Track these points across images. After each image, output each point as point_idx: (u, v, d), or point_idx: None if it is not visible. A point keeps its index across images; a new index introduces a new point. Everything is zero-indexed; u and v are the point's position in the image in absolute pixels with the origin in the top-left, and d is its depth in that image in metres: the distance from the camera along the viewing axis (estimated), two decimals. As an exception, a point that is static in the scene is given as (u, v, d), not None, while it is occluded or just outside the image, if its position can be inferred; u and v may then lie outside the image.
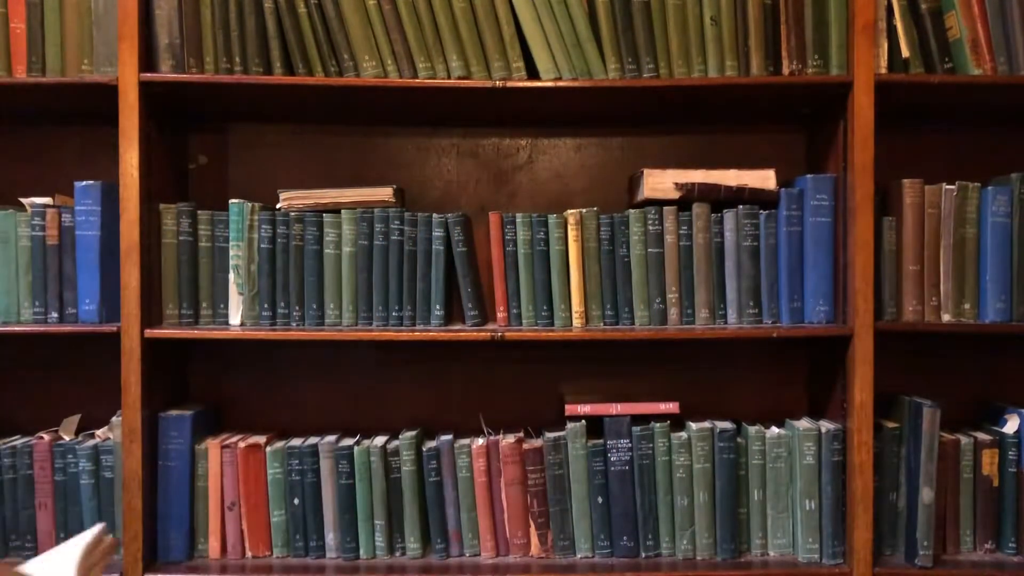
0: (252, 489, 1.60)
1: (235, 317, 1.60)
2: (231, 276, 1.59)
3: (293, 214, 1.60)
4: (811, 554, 1.57)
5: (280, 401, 1.81)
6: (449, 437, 1.62)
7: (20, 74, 1.54)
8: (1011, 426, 1.61)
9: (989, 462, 1.59)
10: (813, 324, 1.58)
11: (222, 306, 1.60)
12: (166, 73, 1.53)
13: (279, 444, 1.61)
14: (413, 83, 1.55)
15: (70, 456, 1.59)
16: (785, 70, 1.56)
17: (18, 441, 1.62)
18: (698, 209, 1.59)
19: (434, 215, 1.60)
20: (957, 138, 1.79)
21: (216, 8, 1.54)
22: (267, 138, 1.81)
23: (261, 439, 1.62)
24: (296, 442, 1.61)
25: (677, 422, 1.65)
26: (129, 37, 1.50)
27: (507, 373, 1.81)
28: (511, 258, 1.60)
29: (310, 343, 1.79)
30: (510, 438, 1.61)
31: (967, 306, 1.58)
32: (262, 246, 1.59)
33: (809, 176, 1.58)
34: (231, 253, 1.59)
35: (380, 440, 1.62)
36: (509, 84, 1.54)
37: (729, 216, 1.60)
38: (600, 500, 1.59)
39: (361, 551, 1.59)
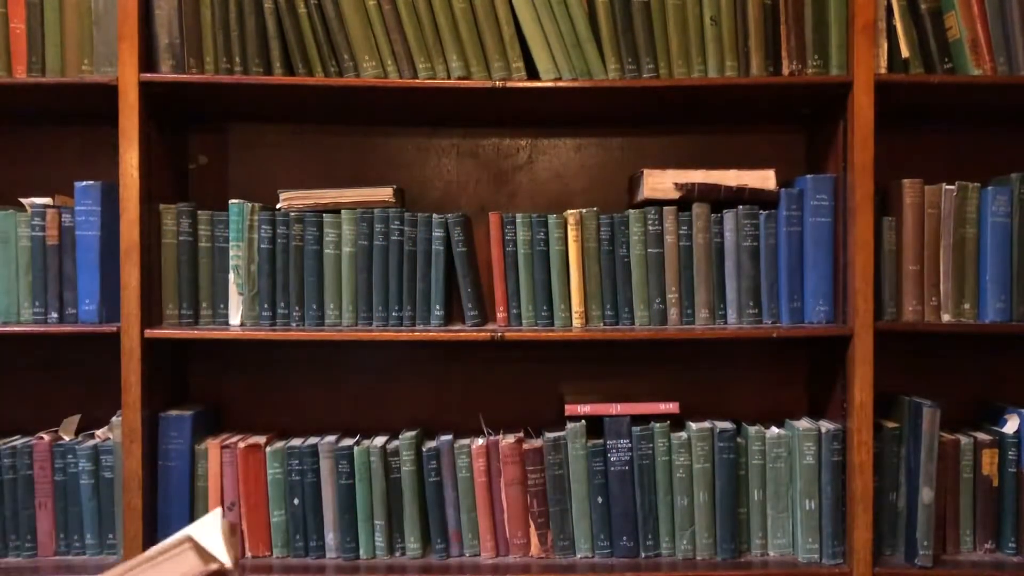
0: (252, 489, 1.60)
1: (235, 317, 1.60)
2: (231, 276, 1.60)
3: (293, 214, 1.60)
4: (811, 554, 1.57)
5: (280, 401, 1.81)
6: (449, 437, 1.63)
7: (20, 74, 1.54)
8: (1011, 426, 1.61)
9: (989, 462, 1.59)
10: (813, 324, 1.58)
11: (222, 306, 1.60)
12: (166, 73, 1.53)
13: (279, 444, 1.61)
14: (413, 83, 1.55)
15: (70, 456, 1.59)
16: (785, 70, 1.56)
17: (18, 441, 1.62)
18: (698, 209, 1.59)
19: (434, 215, 1.60)
20: (957, 138, 1.79)
21: (216, 8, 1.54)
22: (267, 138, 1.81)
23: (261, 439, 1.62)
24: (296, 442, 1.61)
25: (677, 422, 1.65)
26: (129, 37, 1.50)
27: (507, 373, 1.81)
28: (511, 258, 1.61)
29: (310, 343, 1.79)
30: (510, 438, 1.61)
31: (967, 306, 1.58)
32: (262, 246, 1.59)
33: (809, 176, 1.58)
34: (231, 253, 1.59)
35: (380, 440, 1.62)
36: (509, 84, 1.54)
37: (729, 216, 1.60)
38: (600, 500, 1.59)
39: (361, 551, 1.59)
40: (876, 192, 1.53)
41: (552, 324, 1.61)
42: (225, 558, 0.92)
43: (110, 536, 1.59)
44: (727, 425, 1.60)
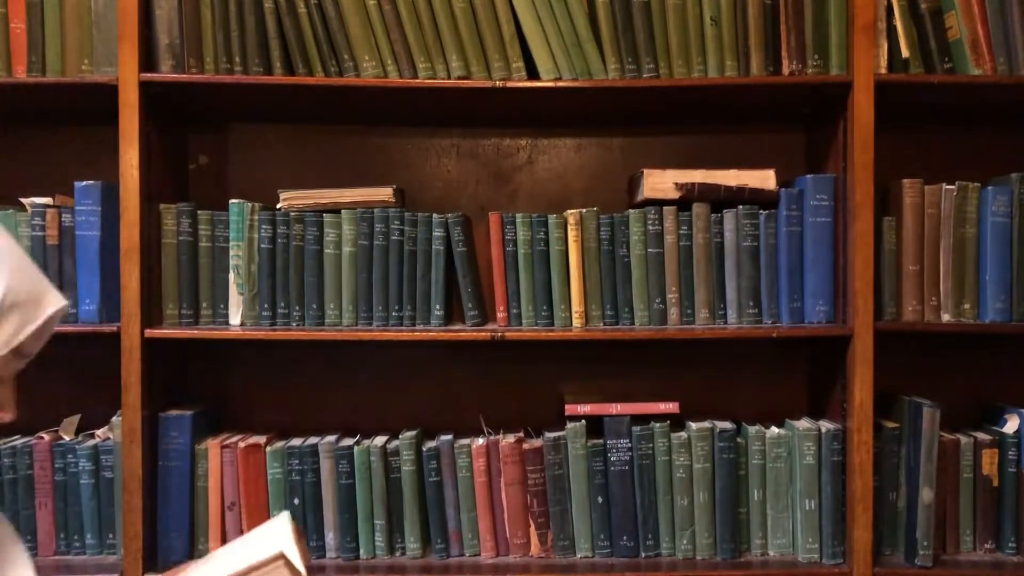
0: (252, 489, 1.60)
1: (235, 317, 1.60)
2: (231, 276, 1.60)
3: (293, 214, 1.60)
4: (811, 554, 1.57)
5: (280, 401, 1.81)
6: (449, 437, 1.62)
7: (20, 74, 1.54)
8: (1011, 426, 1.61)
9: (989, 462, 1.59)
10: (813, 324, 1.58)
11: (222, 306, 1.60)
12: (166, 73, 1.53)
13: (279, 444, 1.61)
14: (413, 83, 1.55)
15: (70, 456, 1.59)
16: (785, 70, 1.56)
17: (18, 441, 1.62)
18: (698, 209, 1.59)
19: (434, 215, 1.60)
20: (957, 138, 1.79)
21: (216, 8, 1.54)
22: (267, 138, 1.81)
23: (261, 439, 1.62)
24: (296, 442, 1.61)
25: (677, 422, 1.65)
26: (129, 37, 1.50)
27: (507, 373, 1.81)
28: (511, 258, 1.61)
29: (310, 343, 1.79)
30: (510, 438, 1.61)
31: (967, 306, 1.58)
32: (262, 246, 1.59)
33: (809, 176, 1.58)
34: (231, 253, 1.59)
35: (380, 440, 1.62)
36: (509, 84, 1.54)
37: (729, 216, 1.60)
38: (600, 500, 1.59)
39: (361, 551, 1.60)
40: (876, 192, 1.53)
41: (552, 324, 1.61)
42: (298, 564, 0.92)
43: (110, 536, 1.59)
44: (727, 425, 1.60)
